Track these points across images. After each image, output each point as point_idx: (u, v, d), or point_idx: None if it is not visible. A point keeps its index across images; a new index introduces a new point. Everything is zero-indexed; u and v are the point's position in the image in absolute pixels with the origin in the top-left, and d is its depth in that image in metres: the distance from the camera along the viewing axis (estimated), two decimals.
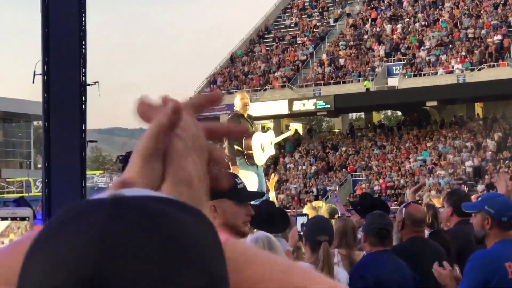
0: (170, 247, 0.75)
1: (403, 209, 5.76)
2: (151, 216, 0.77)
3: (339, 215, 7.95)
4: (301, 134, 53.82)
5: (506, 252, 4.57)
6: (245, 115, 10.28)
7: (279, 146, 47.14)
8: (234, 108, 10.30)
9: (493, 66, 44.06)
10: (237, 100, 10.27)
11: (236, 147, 10.06)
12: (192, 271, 0.76)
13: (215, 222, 3.13)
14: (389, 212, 7.30)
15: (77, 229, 0.76)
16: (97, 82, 15.13)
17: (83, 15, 12.67)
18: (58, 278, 0.73)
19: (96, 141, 17.83)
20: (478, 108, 50.24)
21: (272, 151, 10.63)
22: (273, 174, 9.78)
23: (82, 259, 0.73)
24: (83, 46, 12.91)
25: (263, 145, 10.27)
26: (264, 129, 11.33)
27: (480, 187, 36.89)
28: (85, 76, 13.91)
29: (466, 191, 24.09)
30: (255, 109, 43.41)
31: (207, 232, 0.81)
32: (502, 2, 49.36)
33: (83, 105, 14.13)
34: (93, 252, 0.73)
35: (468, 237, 6.11)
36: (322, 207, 8.80)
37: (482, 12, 49.21)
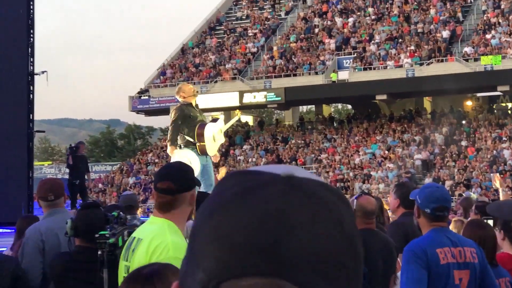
0: (334, 230, 0.89)
1: (355, 200, 5.76)
2: (319, 200, 0.91)
3: None
4: (251, 126, 53.83)
5: (437, 239, 4.64)
6: (193, 104, 10.24)
7: (229, 138, 47.08)
8: (178, 99, 10.25)
9: (442, 61, 44.51)
10: (185, 90, 10.21)
11: (187, 138, 10.00)
12: (350, 251, 0.90)
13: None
14: None
15: (259, 198, 0.89)
16: (45, 71, 14.89)
17: (31, 2, 12.43)
18: (238, 239, 0.87)
19: (43, 131, 17.54)
20: (427, 102, 50.76)
21: (222, 139, 10.61)
22: (223, 167, 9.76)
23: (261, 226, 0.87)
24: (31, 35, 12.70)
25: (214, 135, 10.24)
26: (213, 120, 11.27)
27: (427, 180, 37.27)
28: (33, 65, 13.65)
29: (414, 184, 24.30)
30: (206, 101, 43.30)
31: (351, 213, 0.95)
32: None
33: (31, 95, 13.87)
34: (271, 222, 0.87)
35: (410, 228, 6.19)
36: None
37: (431, 7, 49.68)
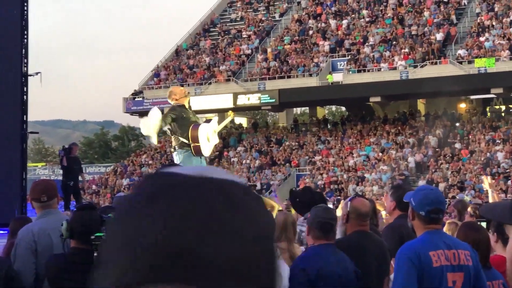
0: (248, 232, 0.87)
1: (349, 202, 5.75)
2: (231, 200, 0.88)
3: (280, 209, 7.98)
4: (245, 128, 53.81)
5: (431, 242, 4.62)
6: (186, 106, 10.25)
7: (223, 140, 47.05)
8: (171, 103, 10.29)
9: (436, 63, 44.58)
10: (176, 92, 10.25)
11: (182, 139, 10.00)
12: (265, 252, 0.88)
13: None
14: None
15: (167, 201, 0.86)
16: (39, 72, 14.88)
17: (25, 3, 12.40)
18: (145, 244, 0.83)
19: (37, 133, 17.55)
20: (421, 105, 50.82)
21: (216, 140, 10.62)
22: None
23: (169, 231, 0.83)
24: (25, 36, 12.67)
25: (208, 136, 10.24)
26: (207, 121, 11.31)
27: (421, 183, 37.29)
28: (27, 66, 13.61)
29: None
30: (200, 102, 43.27)
31: (266, 213, 0.94)
32: (444, 0, 50.02)
33: (25, 96, 13.84)
34: (180, 226, 0.84)
35: (406, 231, 6.19)
36: None
37: (425, 9, 49.76)
